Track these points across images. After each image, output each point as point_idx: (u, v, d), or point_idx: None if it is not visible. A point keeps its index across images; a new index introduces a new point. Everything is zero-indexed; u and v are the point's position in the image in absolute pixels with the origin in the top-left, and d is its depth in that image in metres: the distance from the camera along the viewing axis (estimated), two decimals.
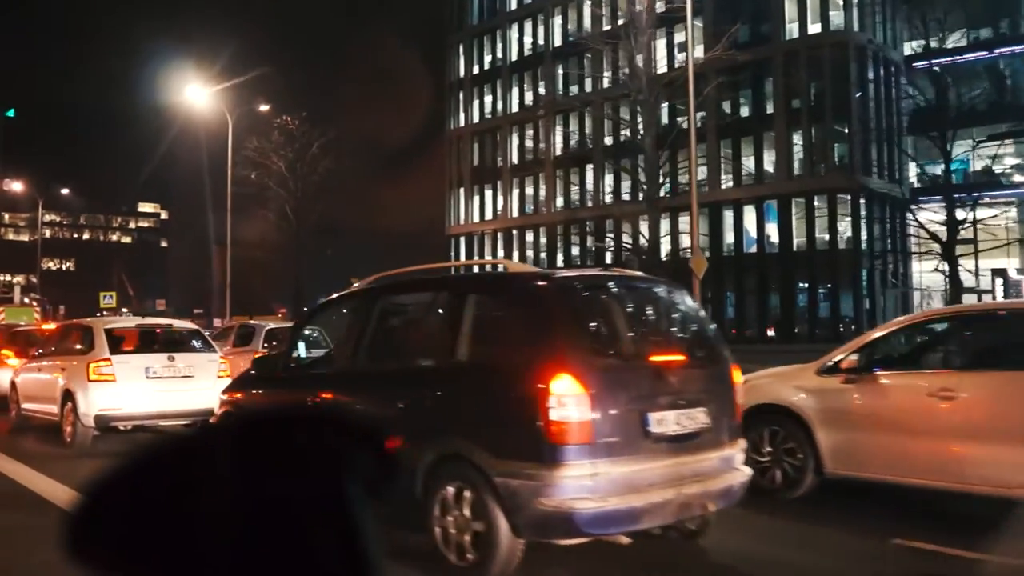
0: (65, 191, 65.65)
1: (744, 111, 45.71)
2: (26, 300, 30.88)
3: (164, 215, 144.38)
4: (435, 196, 62.32)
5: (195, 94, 36.41)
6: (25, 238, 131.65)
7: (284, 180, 38.53)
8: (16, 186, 58.45)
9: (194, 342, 10.28)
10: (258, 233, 43.85)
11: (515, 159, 56.54)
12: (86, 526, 0.64)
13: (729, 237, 45.56)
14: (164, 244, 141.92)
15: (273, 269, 45.52)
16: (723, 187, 45.41)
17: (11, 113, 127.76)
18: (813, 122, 42.58)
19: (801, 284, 43.78)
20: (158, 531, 0.64)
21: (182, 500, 0.65)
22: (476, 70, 59.28)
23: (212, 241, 39.42)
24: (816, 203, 42.42)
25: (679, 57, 47.84)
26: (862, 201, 41.73)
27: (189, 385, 9.58)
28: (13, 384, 11.52)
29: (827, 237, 42.44)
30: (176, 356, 9.64)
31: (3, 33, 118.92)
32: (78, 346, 9.84)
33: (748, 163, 45.05)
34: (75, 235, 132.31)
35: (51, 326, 15.66)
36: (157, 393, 9.33)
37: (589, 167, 51.68)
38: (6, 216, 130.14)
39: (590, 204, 51.61)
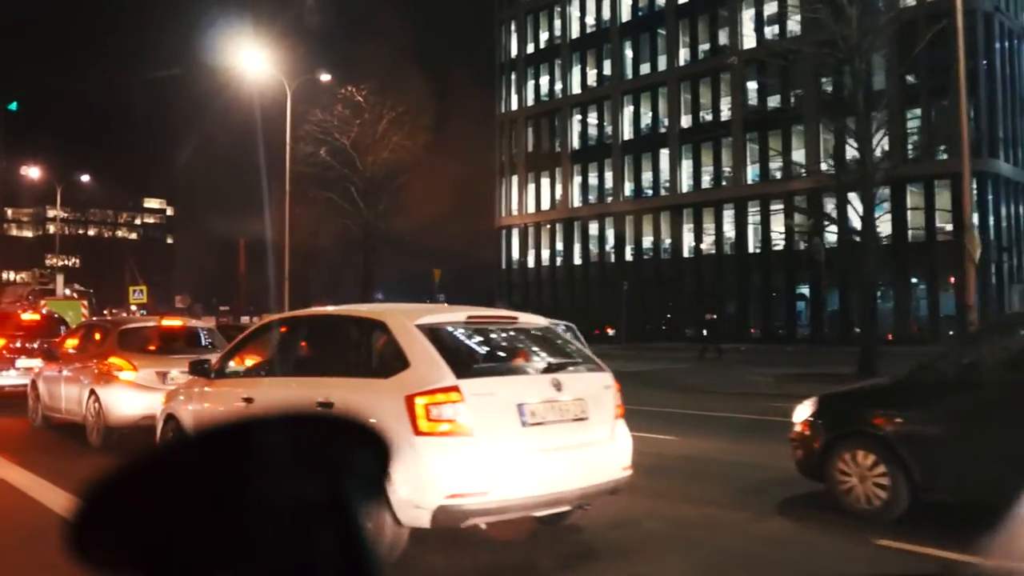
0: (86, 178, 60.84)
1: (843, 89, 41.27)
2: (67, 292, 26.05)
3: (170, 211, 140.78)
4: (483, 185, 57.65)
5: (251, 62, 31.91)
6: (28, 234, 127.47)
7: (349, 159, 33.85)
8: (34, 171, 53.73)
9: (568, 347, 5.66)
10: (309, 222, 39.22)
11: (576, 144, 52.00)
12: (87, 529, 0.63)
13: (830, 227, 41.06)
14: (170, 240, 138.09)
15: (327, 260, 41.05)
16: (823, 171, 40.97)
17: (13, 106, 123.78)
18: (932, 99, 38.10)
19: (914, 280, 39.50)
20: (160, 534, 0.63)
21: (187, 501, 0.63)
22: (531, 49, 54.74)
23: (269, 230, 34.73)
24: (937, 189, 38.02)
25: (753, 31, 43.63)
26: (989, 186, 37.42)
27: (584, 435, 5.03)
28: (172, 419, 6.93)
29: (949, 227, 38.01)
30: (562, 379, 5.01)
31: (10, 26, 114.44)
32: (357, 359, 5.31)
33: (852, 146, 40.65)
34: (80, 231, 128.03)
35: (175, 322, 11.05)
36: (542, 456, 4.77)
37: (664, 151, 47.19)
38: (9, 211, 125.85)
39: (663, 192, 47.19)
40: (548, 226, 53.17)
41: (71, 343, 11.12)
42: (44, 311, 16.28)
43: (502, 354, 5.33)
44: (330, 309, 6.12)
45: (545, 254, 53.47)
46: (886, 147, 23.38)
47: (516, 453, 4.71)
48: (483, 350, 5.22)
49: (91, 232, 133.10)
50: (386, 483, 4.40)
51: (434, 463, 4.51)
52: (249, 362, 6.82)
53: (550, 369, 5.19)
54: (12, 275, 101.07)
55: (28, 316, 14.87)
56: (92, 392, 9.60)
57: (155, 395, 9.31)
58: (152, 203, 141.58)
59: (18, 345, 13.80)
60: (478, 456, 4.58)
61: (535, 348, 5.44)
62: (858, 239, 20.82)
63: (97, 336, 10.44)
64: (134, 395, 9.32)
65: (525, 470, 4.70)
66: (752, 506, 6.49)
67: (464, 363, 4.86)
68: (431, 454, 4.52)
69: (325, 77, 34.01)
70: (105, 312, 37.45)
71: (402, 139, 33.51)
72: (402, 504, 4.52)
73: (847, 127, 21.25)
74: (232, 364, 6.47)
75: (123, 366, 9.46)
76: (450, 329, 5.16)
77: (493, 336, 5.43)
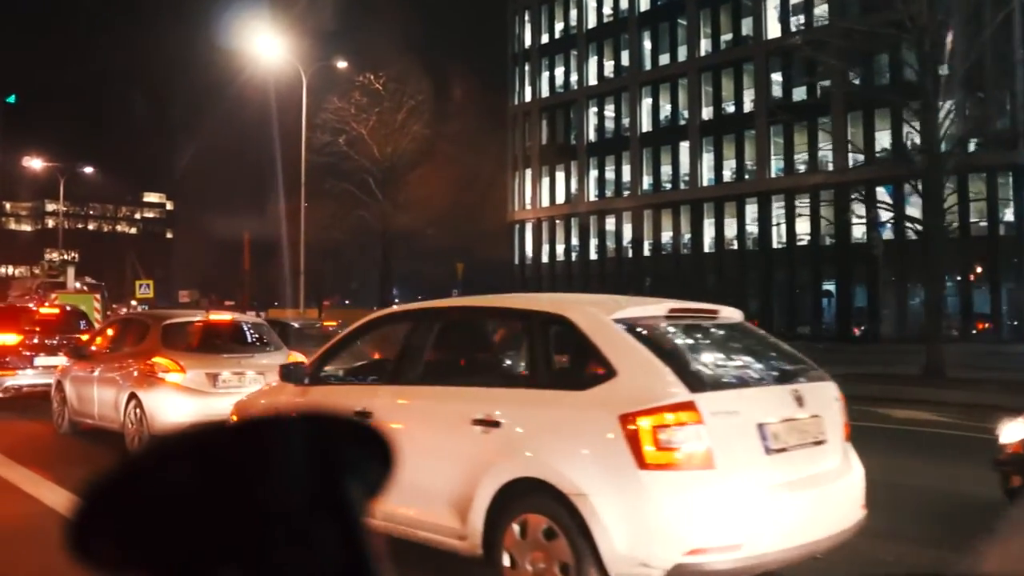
0: (89, 170, 59.48)
1: (875, 80, 40.07)
2: (77, 284, 24.78)
3: (169, 206, 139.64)
4: (495, 178, 56.30)
5: (265, 49, 30.75)
6: (27, 228, 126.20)
7: (366, 149, 32.62)
8: (36, 162, 52.38)
9: (782, 348, 4.41)
10: (322, 215, 38.02)
11: (592, 136, 50.78)
12: (86, 528, 0.62)
13: (857, 223, 39.97)
14: (170, 235, 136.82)
15: (341, 255, 39.74)
16: (851, 166, 39.83)
17: (12, 99, 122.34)
18: (966, 90, 36.92)
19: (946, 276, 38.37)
20: (159, 533, 0.62)
21: (184, 501, 0.62)
22: (545, 39, 53.50)
23: (284, 223, 33.57)
24: (971, 182, 36.87)
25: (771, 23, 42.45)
26: None
27: (823, 463, 3.95)
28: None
29: (984, 222, 36.96)
30: (802, 391, 3.87)
31: (10, 17, 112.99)
32: (527, 364, 4.12)
33: (883, 138, 39.56)
34: (79, 225, 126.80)
35: (224, 316, 9.79)
36: (788, 494, 3.66)
37: (683, 144, 46.01)
38: (7, 205, 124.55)
39: (683, 186, 46.02)
40: (562, 221, 52.01)
41: (102, 340, 9.93)
42: (58, 305, 15.06)
43: (724, 359, 4.12)
44: (477, 300, 4.91)
45: (559, 249, 52.31)
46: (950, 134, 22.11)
47: (763, 491, 3.57)
48: (702, 354, 4.00)
49: (90, 226, 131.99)
50: (594, 528, 3.18)
51: (670, 506, 3.37)
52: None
53: (785, 378, 4.02)
54: (11, 269, 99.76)
55: (46, 310, 13.65)
56: (132, 396, 8.42)
57: (205, 400, 8.21)
58: (151, 197, 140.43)
59: (36, 342, 12.62)
60: (726, 497, 3.43)
61: (754, 349, 4.25)
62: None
63: (135, 332, 9.22)
64: (182, 400, 8.16)
65: (775, 513, 3.55)
66: (948, 541, 5.32)
67: (692, 371, 3.69)
68: (664, 494, 3.37)
69: (342, 64, 32.85)
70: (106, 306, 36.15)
71: (422, 128, 32.33)
72: (620, 559, 3.37)
73: (913, 112, 19.99)
74: (329, 368, 5.29)
75: (169, 367, 8.28)
76: (655, 326, 3.98)
77: (702, 335, 4.22)
